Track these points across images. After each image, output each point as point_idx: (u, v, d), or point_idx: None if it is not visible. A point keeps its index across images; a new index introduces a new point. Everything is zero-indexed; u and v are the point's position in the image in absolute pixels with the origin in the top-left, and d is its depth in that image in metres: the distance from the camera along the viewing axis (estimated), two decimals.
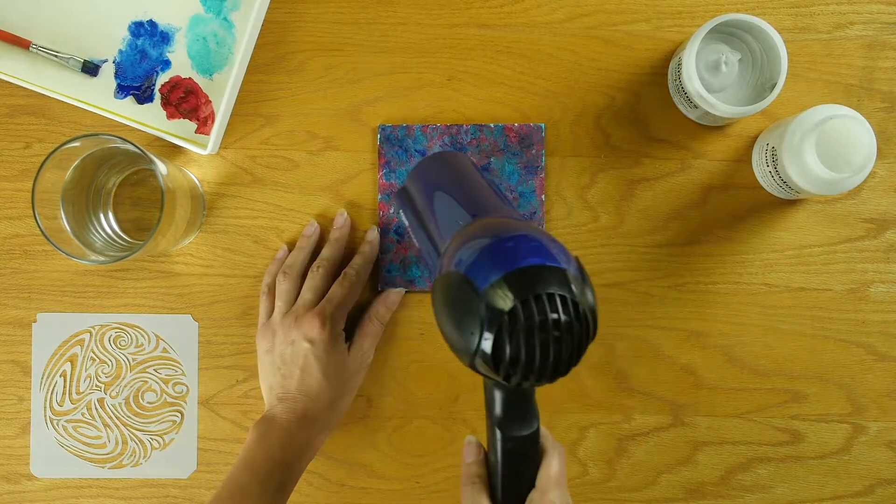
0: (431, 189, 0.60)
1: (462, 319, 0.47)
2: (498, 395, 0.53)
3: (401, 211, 0.63)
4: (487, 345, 0.46)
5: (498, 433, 0.54)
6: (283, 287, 0.70)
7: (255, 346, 0.72)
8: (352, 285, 0.69)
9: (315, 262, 0.70)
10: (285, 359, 0.67)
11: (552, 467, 0.54)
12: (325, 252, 0.71)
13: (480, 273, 0.47)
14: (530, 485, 0.55)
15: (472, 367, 0.48)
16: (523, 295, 0.46)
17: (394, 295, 0.72)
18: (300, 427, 0.66)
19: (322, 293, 0.69)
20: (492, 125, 0.72)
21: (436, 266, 0.56)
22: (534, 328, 0.46)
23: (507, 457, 0.54)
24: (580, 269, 0.49)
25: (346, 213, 0.72)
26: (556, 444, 0.56)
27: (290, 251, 0.73)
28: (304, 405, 0.67)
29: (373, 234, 0.72)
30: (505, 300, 0.46)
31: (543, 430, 0.56)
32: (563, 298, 0.46)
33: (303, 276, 0.70)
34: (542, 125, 0.73)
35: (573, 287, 0.47)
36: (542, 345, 0.46)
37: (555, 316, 0.46)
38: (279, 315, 0.69)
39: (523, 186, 0.72)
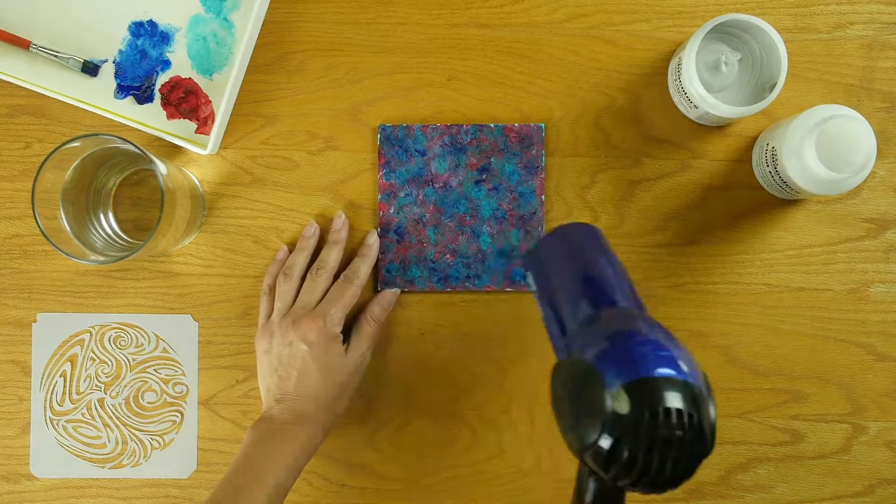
0: (567, 265, 0.59)
1: (583, 411, 0.47)
2: (593, 486, 0.52)
3: (528, 274, 0.62)
4: (605, 444, 0.46)
5: None
6: (283, 288, 0.70)
7: (254, 346, 0.72)
8: (350, 287, 0.69)
9: (314, 264, 0.70)
10: (283, 360, 0.67)
11: None
12: (325, 254, 0.71)
13: (611, 371, 0.47)
14: None
15: (581, 458, 0.48)
16: (651, 406, 0.45)
17: (389, 295, 0.72)
18: (298, 428, 0.66)
19: (321, 295, 0.69)
20: (492, 125, 0.72)
21: (559, 343, 0.56)
22: (655, 442, 0.45)
23: None
24: (706, 383, 0.49)
25: (343, 215, 0.72)
26: None
27: (290, 252, 0.73)
28: (301, 406, 0.67)
29: (372, 238, 0.72)
30: (631, 406, 0.46)
31: None
32: (690, 416, 0.46)
33: (303, 278, 0.71)
34: (542, 125, 0.73)
35: (699, 404, 0.46)
36: (659, 459, 0.45)
37: (679, 433, 0.45)
38: (278, 316, 0.69)
39: (523, 186, 0.72)
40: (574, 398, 0.48)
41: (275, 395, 0.68)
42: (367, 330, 0.70)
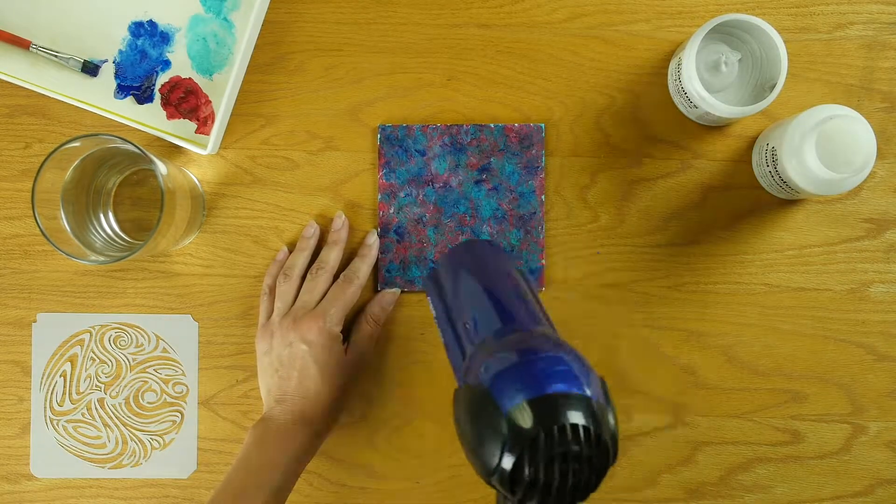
0: (464, 287, 0.59)
1: (483, 435, 0.47)
2: None
3: (429, 298, 0.62)
4: (508, 464, 0.46)
5: None
6: (283, 288, 0.70)
7: (255, 346, 0.72)
8: (350, 287, 0.69)
9: (314, 265, 0.70)
10: (283, 360, 0.67)
11: None
12: (324, 254, 0.71)
13: (506, 392, 0.47)
14: None
15: (490, 483, 0.48)
16: (546, 423, 0.46)
17: (389, 295, 0.72)
18: (298, 429, 0.66)
19: (321, 295, 0.69)
20: (492, 125, 0.72)
21: (458, 366, 0.56)
22: (554, 458, 0.46)
23: None
24: (605, 393, 0.49)
25: (343, 215, 0.72)
26: None
27: (290, 252, 0.73)
28: (301, 407, 0.67)
29: (372, 238, 0.72)
30: (528, 425, 0.46)
31: None
32: (586, 430, 0.46)
33: (303, 278, 0.71)
34: (542, 125, 0.73)
35: (597, 416, 0.47)
36: (561, 474, 0.46)
37: (576, 448, 0.46)
38: (278, 316, 0.69)
39: (523, 186, 0.72)
40: (474, 423, 0.49)
41: (275, 396, 0.68)
42: (366, 330, 0.70)
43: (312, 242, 0.72)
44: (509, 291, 0.58)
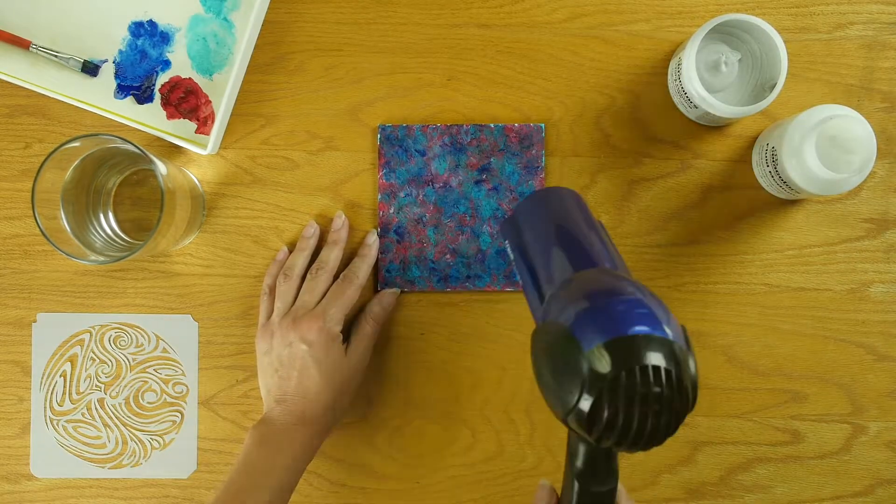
0: (544, 229, 0.59)
1: (563, 374, 0.47)
2: (582, 449, 0.53)
3: (506, 242, 0.62)
4: (586, 405, 0.46)
5: (576, 485, 0.53)
6: (283, 288, 0.70)
7: (255, 346, 0.72)
8: (350, 287, 0.69)
9: (314, 265, 0.70)
10: (283, 360, 0.67)
11: None
12: (324, 254, 0.71)
13: (587, 332, 0.47)
14: None
15: (565, 422, 0.48)
16: (628, 364, 0.45)
17: (389, 296, 0.72)
18: (298, 429, 0.66)
19: (321, 295, 0.69)
20: (492, 125, 0.72)
21: (537, 309, 0.55)
22: (634, 399, 0.45)
23: None
24: (686, 339, 0.49)
25: (343, 215, 0.72)
26: (631, 502, 0.56)
27: (290, 252, 0.73)
28: (301, 407, 0.67)
29: (372, 238, 0.72)
30: (609, 366, 0.46)
31: (621, 487, 0.55)
32: (667, 372, 0.46)
33: (303, 278, 0.71)
34: (542, 125, 0.73)
35: (678, 359, 0.46)
36: (640, 416, 0.46)
37: (657, 390, 0.45)
38: (278, 316, 0.69)
39: (523, 186, 0.72)
40: (553, 362, 0.48)
41: (275, 396, 0.68)
42: (366, 330, 0.70)
43: (312, 242, 0.72)
44: (589, 235, 0.57)
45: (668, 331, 0.47)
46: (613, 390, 0.45)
